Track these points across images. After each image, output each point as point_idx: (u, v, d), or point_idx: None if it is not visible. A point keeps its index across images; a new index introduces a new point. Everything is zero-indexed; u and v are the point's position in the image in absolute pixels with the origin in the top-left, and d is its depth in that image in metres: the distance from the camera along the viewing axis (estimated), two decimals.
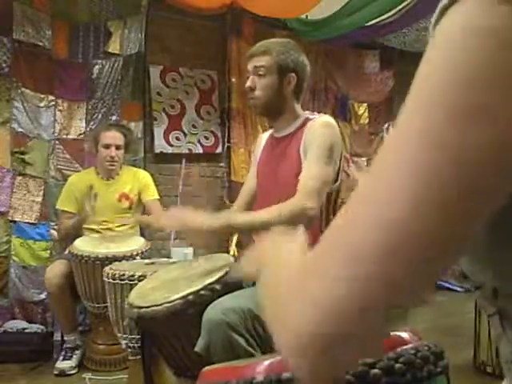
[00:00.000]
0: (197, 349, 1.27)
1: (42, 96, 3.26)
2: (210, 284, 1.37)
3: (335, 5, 3.43)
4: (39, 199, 3.23)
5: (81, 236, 2.76)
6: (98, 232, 2.82)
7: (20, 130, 3.18)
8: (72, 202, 2.85)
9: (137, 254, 2.51)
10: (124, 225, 2.87)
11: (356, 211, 0.35)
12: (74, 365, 2.62)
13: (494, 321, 0.45)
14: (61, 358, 2.65)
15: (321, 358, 0.35)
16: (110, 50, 3.46)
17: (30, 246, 3.18)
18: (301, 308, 0.36)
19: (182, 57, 3.76)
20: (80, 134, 3.38)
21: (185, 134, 3.76)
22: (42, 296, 3.13)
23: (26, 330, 2.91)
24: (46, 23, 3.25)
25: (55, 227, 3.14)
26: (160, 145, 3.66)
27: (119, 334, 1.96)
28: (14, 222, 3.15)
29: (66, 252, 2.70)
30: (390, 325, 0.36)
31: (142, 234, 2.99)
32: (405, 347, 0.64)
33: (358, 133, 4.59)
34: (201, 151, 3.82)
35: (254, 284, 1.63)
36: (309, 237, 1.73)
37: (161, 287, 1.49)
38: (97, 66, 3.43)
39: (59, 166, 3.30)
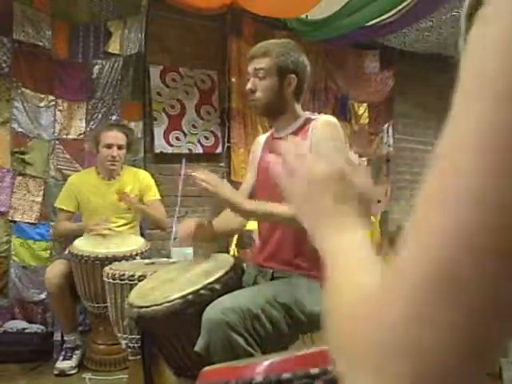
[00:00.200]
0: (196, 348, 1.27)
1: (42, 96, 3.26)
2: (209, 284, 1.37)
3: (335, 5, 3.42)
4: (39, 199, 3.23)
5: (80, 236, 2.76)
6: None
7: (20, 130, 3.18)
8: (71, 202, 2.85)
9: (137, 254, 2.51)
10: (124, 225, 2.87)
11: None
12: (74, 365, 2.62)
13: None
14: (61, 357, 2.65)
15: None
16: (110, 50, 3.46)
17: (30, 246, 3.18)
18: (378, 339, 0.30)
19: (182, 57, 3.76)
20: (80, 134, 3.38)
21: (185, 134, 3.76)
22: (42, 296, 3.13)
23: (26, 330, 2.91)
24: (46, 23, 3.25)
25: None
26: (160, 145, 3.66)
27: (119, 334, 1.97)
28: (14, 222, 3.15)
29: (66, 252, 2.70)
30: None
31: (141, 234, 2.99)
32: None
33: (358, 133, 4.59)
34: (201, 151, 3.82)
35: (253, 284, 1.64)
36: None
37: (161, 287, 1.49)
38: (97, 66, 3.43)
39: (59, 166, 3.30)
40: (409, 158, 5.11)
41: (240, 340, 1.26)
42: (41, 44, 3.23)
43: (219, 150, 3.91)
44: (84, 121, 3.39)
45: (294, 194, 0.59)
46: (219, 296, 1.35)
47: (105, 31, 3.45)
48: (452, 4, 3.48)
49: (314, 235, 0.54)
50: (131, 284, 1.81)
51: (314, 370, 0.58)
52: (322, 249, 0.51)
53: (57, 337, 2.92)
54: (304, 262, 1.60)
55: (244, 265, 1.60)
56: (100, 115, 3.43)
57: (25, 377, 2.56)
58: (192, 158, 3.81)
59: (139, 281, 1.78)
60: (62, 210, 2.86)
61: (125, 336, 1.90)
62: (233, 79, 3.91)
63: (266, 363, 0.62)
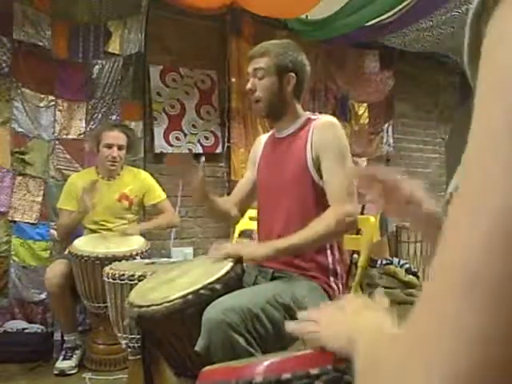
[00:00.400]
0: (197, 348, 1.27)
1: (42, 96, 3.26)
2: (209, 283, 1.37)
3: (335, 5, 3.43)
4: (39, 199, 3.23)
5: (80, 236, 2.76)
6: (97, 232, 2.82)
7: (20, 129, 3.18)
8: (72, 202, 2.85)
9: (137, 254, 2.51)
10: (124, 225, 2.87)
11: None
12: (73, 365, 2.62)
13: None
14: (61, 357, 2.65)
15: None
16: (109, 50, 3.46)
17: (29, 246, 3.18)
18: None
19: (182, 57, 3.76)
20: (80, 134, 3.38)
21: (185, 134, 3.76)
22: (42, 296, 3.13)
23: (26, 330, 2.92)
24: (45, 23, 3.25)
25: (55, 227, 3.14)
26: (160, 145, 3.66)
27: (119, 334, 1.96)
28: (14, 222, 3.15)
29: (66, 252, 2.70)
30: None
31: (141, 234, 2.99)
32: None
33: (358, 133, 4.59)
34: (201, 151, 3.82)
35: (254, 284, 1.64)
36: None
37: (161, 287, 1.49)
38: (97, 66, 3.43)
39: (59, 166, 3.30)
40: (409, 158, 5.11)
41: (240, 340, 1.26)
42: (41, 44, 3.23)
43: (219, 149, 3.91)
44: (84, 121, 3.39)
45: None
46: (219, 296, 1.35)
47: (105, 31, 3.45)
48: (452, 4, 3.48)
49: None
50: (131, 284, 1.81)
51: (314, 370, 0.58)
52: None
53: (57, 337, 2.92)
54: (304, 262, 1.60)
55: (244, 265, 1.60)
56: (100, 115, 3.43)
57: (25, 377, 2.56)
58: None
59: (139, 281, 1.78)
60: (64, 209, 2.86)
61: (125, 336, 1.90)
62: (233, 79, 3.91)
63: (265, 363, 0.62)
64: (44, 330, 2.98)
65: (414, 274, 4.01)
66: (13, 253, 3.14)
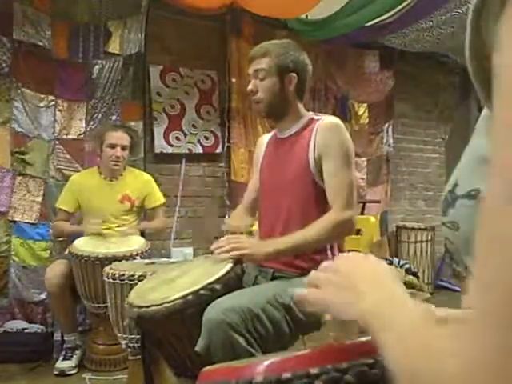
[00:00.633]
0: (197, 348, 1.27)
1: (42, 96, 3.26)
2: (209, 284, 1.37)
3: (335, 5, 3.43)
4: (39, 199, 3.23)
5: (81, 236, 2.76)
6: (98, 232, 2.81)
7: (20, 129, 3.18)
8: (72, 202, 2.85)
9: (137, 254, 2.51)
10: (124, 225, 2.87)
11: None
12: (73, 365, 2.62)
13: None
14: (61, 357, 2.65)
15: None
16: (109, 50, 3.46)
17: (30, 246, 3.18)
18: None
19: (182, 57, 3.76)
20: (80, 134, 3.38)
21: (185, 134, 3.76)
22: (42, 296, 3.13)
23: (26, 330, 2.92)
24: (46, 23, 3.25)
25: None
26: (160, 145, 3.66)
27: (119, 334, 1.96)
28: (14, 222, 3.15)
29: (66, 252, 2.70)
30: None
31: (142, 234, 2.99)
32: None
33: (358, 133, 4.58)
34: (201, 151, 3.82)
35: (254, 283, 1.64)
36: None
37: (161, 287, 1.49)
38: (97, 66, 3.43)
39: (59, 166, 3.30)
40: (409, 158, 5.11)
41: (241, 340, 1.26)
42: (41, 44, 3.23)
43: (219, 149, 3.91)
44: (84, 121, 3.39)
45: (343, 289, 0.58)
46: (219, 296, 1.35)
47: (105, 31, 3.45)
48: (452, 4, 3.48)
49: (358, 306, 0.53)
50: (131, 284, 1.81)
51: (314, 370, 0.58)
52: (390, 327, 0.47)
53: (57, 337, 2.92)
54: (304, 262, 1.60)
55: (244, 265, 1.60)
56: (100, 115, 3.43)
57: (25, 377, 2.56)
58: (192, 158, 3.81)
59: (139, 281, 1.78)
60: (62, 210, 2.87)
61: (125, 336, 1.90)
62: (233, 79, 3.91)
63: (265, 363, 0.62)
64: (44, 330, 2.98)
65: (414, 274, 4.01)
66: (13, 253, 3.14)
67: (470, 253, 0.48)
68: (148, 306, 1.35)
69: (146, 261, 2.24)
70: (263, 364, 0.62)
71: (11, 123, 3.15)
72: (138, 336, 1.60)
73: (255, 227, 2.24)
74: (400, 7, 3.33)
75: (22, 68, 3.17)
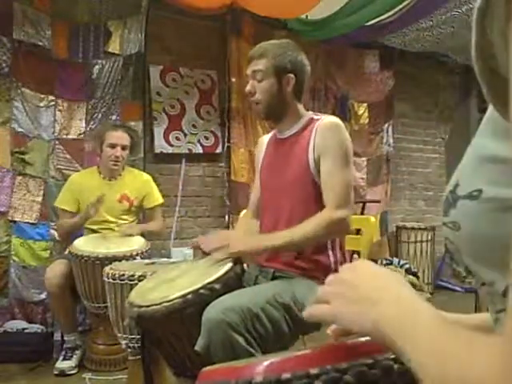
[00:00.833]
0: (197, 348, 1.27)
1: (42, 96, 3.26)
2: (209, 283, 1.37)
3: (335, 5, 3.43)
4: (39, 199, 3.23)
5: (81, 236, 2.76)
6: (97, 232, 2.82)
7: (20, 130, 3.18)
8: (72, 202, 2.85)
9: (137, 254, 2.51)
10: (124, 225, 2.87)
11: None
12: (73, 365, 2.62)
13: (502, 317, 0.45)
14: (61, 357, 2.65)
15: None
16: (110, 50, 3.47)
17: (30, 245, 3.18)
18: None
19: (182, 57, 3.76)
20: (80, 134, 3.38)
21: (185, 134, 3.76)
22: (42, 296, 3.13)
23: (26, 330, 2.92)
24: (46, 23, 3.25)
25: (55, 227, 3.14)
26: (160, 145, 3.66)
27: (119, 334, 1.96)
28: (14, 221, 3.16)
29: (66, 252, 2.70)
30: None
31: (141, 234, 2.99)
32: None
33: (358, 133, 4.58)
34: (201, 151, 3.82)
35: (254, 283, 1.64)
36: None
37: (160, 287, 1.49)
38: (97, 66, 3.43)
39: (59, 166, 3.30)
40: (409, 158, 5.11)
41: (240, 340, 1.26)
42: (41, 44, 3.23)
43: (219, 149, 3.91)
44: (84, 121, 3.39)
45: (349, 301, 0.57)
46: (219, 296, 1.35)
47: (105, 31, 3.45)
48: (452, 4, 3.48)
49: (369, 316, 0.52)
50: (131, 284, 1.81)
51: (314, 370, 0.58)
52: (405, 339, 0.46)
53: (57, 337, 2.92)
54: (305, 262, 1.60)
55: (244, 265, 1.60)
56: (100, 115, 3.43)
57: (25, 377, 2.56)
58: (192, 158, 3.81)
59: (139, 281, 1.78)
60: (64, 210, 2.86)
61: (125, 336, 1.90)
62: (233, 79, 3.91)
63: (265, 363, 0.62)
64: (44, 330, 2.98)
65: (414, 274, 4.01)
66: (13, 253, 3.14)
67: (471, 253, 0.48)
68: (148, 306, 1.35)
69: (146, 261, 2.24)
70: (263, 364, 0.62)
71: (11, 123, 3.15)
72: (138, 336, 1.60)
73: None
74: (400, 7, 3.32)
75: (22, 68, 3.17)
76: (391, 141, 4.85)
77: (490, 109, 0.45)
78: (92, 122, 3.41)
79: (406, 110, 5.02)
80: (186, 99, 3.78)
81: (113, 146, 2.82)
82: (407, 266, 4.06)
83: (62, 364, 2.60)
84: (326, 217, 1.50)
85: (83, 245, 2.57)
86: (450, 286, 4.74)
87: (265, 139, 1.87)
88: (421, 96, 5.07)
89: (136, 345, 1.82)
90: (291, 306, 1.43)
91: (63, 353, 2.67)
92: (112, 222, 2.84)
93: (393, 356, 0.60)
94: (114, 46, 3.48)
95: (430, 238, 4.67)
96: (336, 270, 1.76)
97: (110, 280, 1.92)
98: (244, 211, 2.05)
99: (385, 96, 4.76)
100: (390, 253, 4.73)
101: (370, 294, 0.54)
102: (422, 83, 5.01)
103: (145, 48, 3.56)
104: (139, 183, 2.96)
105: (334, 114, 3.95)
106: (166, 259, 2.58)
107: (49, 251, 3.23)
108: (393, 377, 0.60)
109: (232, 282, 1.43)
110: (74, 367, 2.62)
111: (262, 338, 1.33)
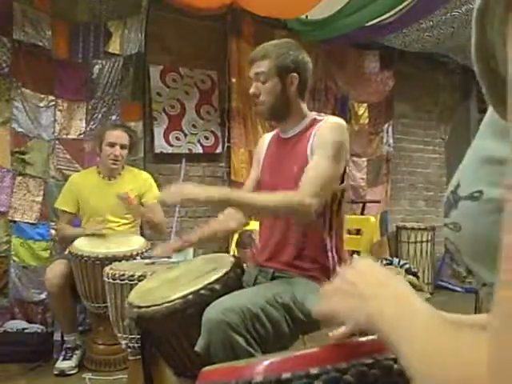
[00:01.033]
0: (197, 348, 1.27)
1: (42, 96, 3.26)
2: (209, 284, 1.37)
3: (335, 5, 3.43)
4: (39, 199, 3.23)
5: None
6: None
7: (20, 130, 3.18)
8: (72, 203, 2.85)
9: (137, 254, 2.51)
10: (124, 224, 2.87)
11: None
12: (73, 365, 2.62)
13: None
14: (61, 357, 2.65)
15: None
16: (110, 50, 3.47)
17: (30, 246, 3.18)
18: None
19: (182, 57, 3.76)
20: (80, 134, 3.38)
21: (185, 134, 3.76)
22: (42, 296, 3.13)
23: (26, 330, 2.91)
24: (46, 23, 3.25)
25: (55, 227, 3.14)
26: (160, 145, 3.66)
27: (119, 334, 1.96)
28: (14, 221, 3.16)
29: (66, 252, 2.70)
30: None
31: (142, 234, 2.99)
32: None
33: (358, 133, 4.59)
34: (201, 151, 3.82)
35: (254, 283, 1.64)
36: (311, 236, 1.72)
37: (161, 287, 1.49)
38: (97, 66, 3.43)
39: (59, 166, 3.30)
40: (409, 158, 5.11)
41: (240, 340, 1.26)
42: (41, 44, 3.23)
43: (219, 149, 3.91)
44: (84, 121, 3.39)
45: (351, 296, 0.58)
46: (219, 296, 1.35)
47: (105, 31, 3.45)
48: (452, 4, 3.48)
49: (365, 309, 0.53)
50: (131, 284, 1.81)
51: (314, 370, 0.58)
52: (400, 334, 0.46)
53: (57, 337, 2.92)
54: (304, 262, 1.60)
55: (244, 265, 1.60)
56: (100, 115, 3.43)
57: (25, 377, 2.56)
58: (192, 158, 3.81)
59: (139, 281, 1.78)
60: (64, 211, 2.86)
61: (125, 336, 1.90)
62: (233, 79, 3.91)
63: (265, 363, 0.62)
64: (44, 330, 2.98)
65: (414, 274, 4.01)
66: (13, 253, 3.14)
67: (471, 254, 0.48)
68: (148, 306, 1.35)
69: (146, 261, 2.24)
70: (263, 364, 0.62)
71: (11, 123, 3.15)
72: (137, 336, 1.60)
73: (253, 226, 2.24)
74: (400, 7, 3.32)
75: (22, 68, 3.17)
76: (391, 141, 4.85)
77: (490, 110, 0.45)
78: (92, 122, 3.41)
79: (406, 110, 5.03)
80: (186, 99, 3.78)
81: (112, 145, 2.82)
82: (407, 266, 4.06)
83: (62, 364, 2.60)
84: (297, 197, 1.46)
85: (83, 245, 2.57)
86: (450, 286, 4.74)
87: (266, 138, 1.87)
88: (421, 96, 5.07)
89: (136, 345, 1.82)
90: (291, 306, 1.43)
91: (63, 353, 2.67)
92: (113, 222, 2.84)
93: (393, 356, 0.60)
94: (114, 46, 3.48)
95: (429, 238, 4.67)
96: (335, 270, 1.76)
97: (110, 280, 1.92)
98: None
99: (385, 96, 4.76)
100: (389, 253, 4.73)
101: (367, 290, 0.55)
102: (422, 83, 5.01)
103: (145, 48, 3.56)
104: (139, 181, 2.96)
105: (334, 114, 3.94)
106: (166, 259, 2.57)
107: (49, 251, 3.23)
108: (393, 377, 0.60)
109: (232, 283, 1.43)
110: (74, 367, 2.62)
111: (261, 339, 1.33)
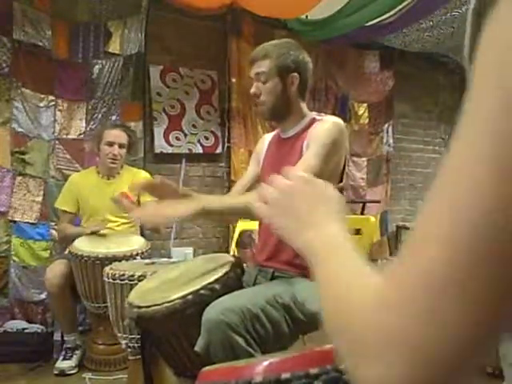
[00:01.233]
0: (196, 348, 1.27)
1: (42, 96, 3.26)
2: (209, 284, 1.37)
3: (335, 5, 3.42)
4: (39, 199, 3.23)
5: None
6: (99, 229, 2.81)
7: (20, 130, 3.18)
8: (72, 203, 2.86)
9: (137, 254, 2.51)
10: (124, 224, 2.87)
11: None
12: (73, 365, 2.62)
13: None
14: (61, 357, 2.65)
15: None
16: (110, 50, 3.46)
17: (30, 245, 3.18)
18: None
19: (182, 57, 3.76)
20: (80, 134, 3.38)
21: (185, 134, 3.76)
22: (42, 296, 3.13)
23: (26, 330, 2.91)
24: (46, 23, 3.25)
25: (55, 227, 3.14)
26: (160, 145, 3.66)
27: (119, 334, 1.97)
28: (14, 221, 3.15)
29: (66, 252, 2.70)
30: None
31: (142, 234, 2.99)
32: None
33: (358, 133, 4.59)
34: (201, 151, 3.82)
35: (254, 283, 1.64)
36: None
37: (161, 287, 1.49)
38: (97, 66, 3.43)
39: (59, 166, 3.30)
40: (409, 158, 5.11)
41: (240, 340, 1.26)
42: (41, 44, 3.23)
43: (219, 149, 3.91)
44: (84, 121, 3.39)
45: (279, 207, 0.62)
46: (219, 296, 1.35)
47: (105, 31, 3.45)
48: (452, 4, 3.48)
49: (299, 237, 0.57)
50: (131, 284, 1.81)
51: (314, 370, 0.58)
52: (310, 244, 0.53)
53: (57, 337, 2.91)
54: (304, 262, 1.59)
55: (244, 265, 1.60)
56: (100, 115, 3.43)
57: (25, 377, 2.56)
58: (192, 158, 3.81)
59: (139, 281, 1.78)
60: (65, 211, 2.87)
61: (125, 336, 1.90)
62: (233, 79, 3.91)
63: (265, 363, 0.62)
64: (44, 330, 2.98)
65: None
66: (13, 253, 3.14)
67: None
68: (148, 306, 1.35)
69: (146, 261, 2.24)
70: (262, 364, 0.62)
71: (11, 123, 3.15)
72: (137, 336, 1.60)
73: (253, 226, 2.24)
74: (400, 7, 3.32)
75: (22, 68, 3.17)
76: (391, 141, 4.85)
77: None
78: (92, 122, 3.41)
79: (406, 110, 5.02)
80: (186, 99, 3.78)
81: (110, 144, 2.83)
82: None
83: (62, 364, 2.60)
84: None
85: (83, 245, 2.57)
86: None
87: (266, 138, 1.87)
88: (421, 96, 5.07)
89: (136, 345, 1.82)
90: (291, 306, 1.43)
91: (63, 353, 2.67)
92: (112, 222, 2.84)
93: None
94: (114, 46, 3.48)
95: None
96: None
97: (110, 280, 1.92)
98: None
99: (385, 96, 4.76)
100: (390, 252, 4.72)
101: (304, 216, 0.58)
102: (422, 83, 5.01)
103: (145, 48, 3.56)
104: (138, 180, 2.95)
105: (334, 114, 3.95)
106: (166, 259, 2.58)
107: (49, 251, 3.23)
108: None
109: (232, 283, 1.43)
110: (73, 367, 2.62)
111: (261, 339, 1.33)
